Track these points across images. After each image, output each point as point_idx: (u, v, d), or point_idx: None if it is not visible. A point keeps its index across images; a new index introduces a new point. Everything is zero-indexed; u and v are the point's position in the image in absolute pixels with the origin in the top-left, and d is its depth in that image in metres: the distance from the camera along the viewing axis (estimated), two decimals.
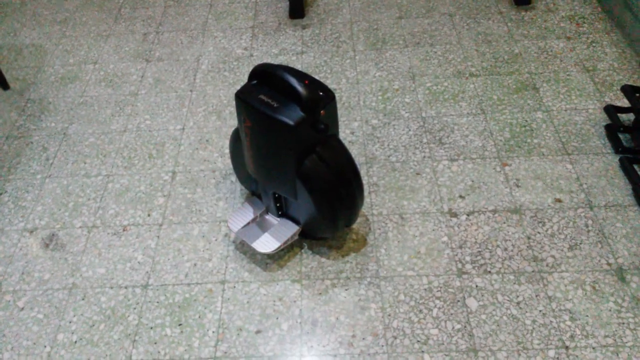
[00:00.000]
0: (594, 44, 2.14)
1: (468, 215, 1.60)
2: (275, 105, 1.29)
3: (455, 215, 1.60)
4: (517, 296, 1.40)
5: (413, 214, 1.61)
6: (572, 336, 1.32)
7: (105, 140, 1.92)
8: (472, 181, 1.69)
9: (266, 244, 1.47)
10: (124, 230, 1.63)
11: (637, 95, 1.78)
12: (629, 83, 1.95)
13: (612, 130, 1.77)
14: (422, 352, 1.31)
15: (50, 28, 2.49)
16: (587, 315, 1.35)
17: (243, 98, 1.33)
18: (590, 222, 1.55)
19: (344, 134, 1.87)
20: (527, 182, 1.67)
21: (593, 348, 1.29)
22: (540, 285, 1.42)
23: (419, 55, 2.16)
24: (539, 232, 1.54)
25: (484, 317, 1.37)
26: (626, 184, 1.64)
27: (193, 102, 2.05)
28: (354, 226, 1.59)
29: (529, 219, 1.57)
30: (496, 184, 1.67)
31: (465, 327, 1.35)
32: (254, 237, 1.50)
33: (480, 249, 1.51)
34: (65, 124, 2.00)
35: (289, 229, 1.50)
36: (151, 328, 1.40)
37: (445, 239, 1.54)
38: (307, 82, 1.30)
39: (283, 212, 1.54)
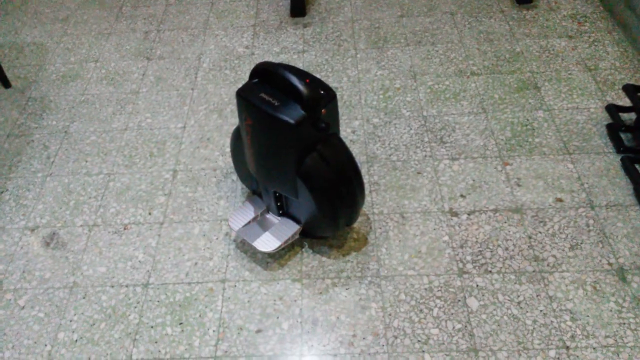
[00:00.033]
0: (595, 43, 2.13)
1: (469, 214, 1.59)
2: (276, 103, 1.29)
3: (456, 214, 1.60)
4: (518, 296, 1.40)
5: (414, 213, 1.61)
6: (572, 336, 1.32)
7: (107, 139, 1.92)
8: (473, 180, 1.69)
9: (267, 243, 1.47)
10: (124, 228, 1.64)
11: (639, 94, 1.77)
12: (630, 82, 1.95)
13: (614, 130, 1.77)
14: (423, 351, 1.31)
15: (51, 26, 2.49)
16: (587, 316, 1.35)
17: (244, 96, 1.33)
18: (591, 221, 1.55)
19: (345, 133, 1.87)
20: (528, 182, 1.67)
21: (594, 348, 1.29)
22: (541, 285, 1.42)
23: (421, 54, 2.16)
24: (540, 232, 1.54)
25: (484, 316, 1.37)
26: (627, 184, 1.64)
27: (194, 101, 2.05)
28: (355, 225, 1.59)
29: (530, 219, 1.57)
30: (497, 183, 1.67)
31: (465, 326, 1.35)
32: (255, 236, 1.50)
33: (481, 249, 1.51)
34: (66, 123, 2.00)
35: (290, 228, 1.50)
36: (152, 327, 1.40)
37: (446, 238, 1.54)
38: (308, 80, 1.29)
39: (284, 211, 1.54)
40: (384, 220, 1.59)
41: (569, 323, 1.34)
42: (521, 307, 1.38)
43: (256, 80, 1.37)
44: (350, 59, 2.17)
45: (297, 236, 1.51)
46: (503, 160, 1.74)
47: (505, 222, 1.57)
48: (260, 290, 1.46)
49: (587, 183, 1.65)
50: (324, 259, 1.51)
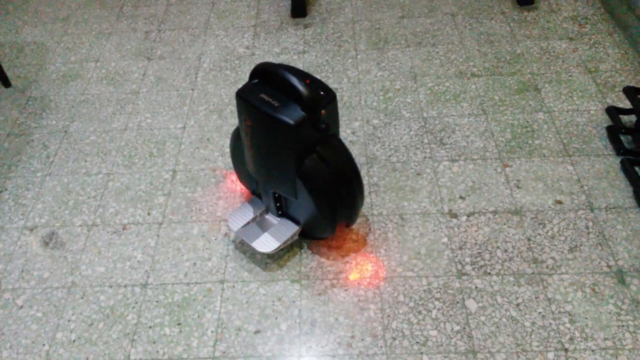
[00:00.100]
0: (596, 45, 2.13)
1: (468, 216, 1.59)
2: (276, 104, 1.29)
3: (455, 216, 1.60)
4: (517, 298, 1.40)
5: (413, 214, 1.61)
6: (571, 338, 1.31)
7: (106, 139, 1.92)
8: (473, 182, 1.68)
9: (266, 243, 1.47)
10: (123, 229, 1.63)
11: (639, 96, 1.77)
12: (631, 84, 1.95)
13: (614, 132, 1.77)
14: (421, 353, 1.31)
15: (52, 26, 2.49)
16: (586, 318, 1.35)
17: (244, 97, 1.33)
18: (590, 224, 1.55)
19: (344, 134, 1.86)
20: (528, 184, 1.67)
21: (592, 351, 1.29)
22: (540, 287, 1.42)
23: (421, 55, 2.16)
24: (539, 234, 1.53)
25: (483, 318, 1.36)
26: (627, 186, 1.64)
27: (194, 101, 2.05)
28: (354, 226, 1.58)
29: (529, 221, 1.57)
30: (497, 185, 1.67)
31: (464, 328, 1.35)
32: (254, 236, 1.50)
33: (480, 250, 1.51)
34: (66, 122, 2.00)
35: (289, 229, 1.50)
36: (150, 327, 1.40)
37: (445, 240, 1.54)
38: (308, 81, 1.29)
39: (283, 212, 1.54)
40: (383, 222, 1.59)
41: (568, 325, 1.34)
42: (520, 309, 1.38)
43: (256, 80, 1.37)
44: (350, 59, 2.17)
45: (296, 237, 1.51)
46: (503, 162, 1.74)
47: (505, 224, 1.57)
48: (259, 291, 1.46)
49: (586, 185, 1.65)
50: (323, 260, 1.51)
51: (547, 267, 1.46)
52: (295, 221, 1.52)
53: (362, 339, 1.35)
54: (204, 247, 1.57)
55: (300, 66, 2.15)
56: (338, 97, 1.99)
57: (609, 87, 1.95)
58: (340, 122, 1.90)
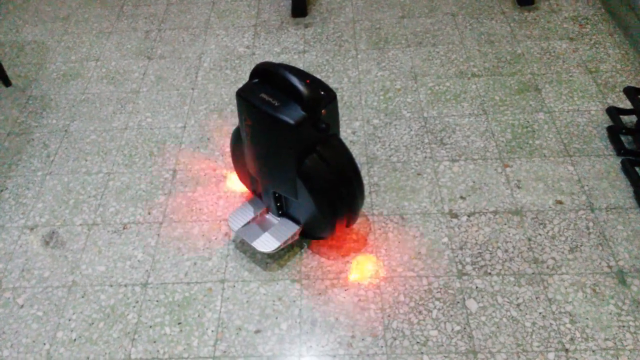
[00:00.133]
0: (597, 45, 2.13)
1: (469, 216, 1.59)
2: (276, 104, 1.29)
3: (455, 216, 1.60)
4: (517, 298, 1.40)
5: (414, 214, 1.61)
6: (572, 339, 1.31)
7: (107, 138, 1.92)
8: (473, 182, 1.68)
9: (266, 243, 1.47)
10: (124, 228, 1.63)
11: None
12: (631, 85, 1.95)
13: (614, 132, 1.77)
14: (422, 353, 1.31)
15: (52, 25, 2.49)
16: (587, 318, 1.35)
17: (244, 97, 1.33)
18: (591, 224, 1.55)
19: (345, 134, 1.86)
20: (529, 184, 1.67)
21: (593, 351, 1.29)
22: (540, 287, 1.42)
23: (421, 55, 2.16)
24: (539, 234, 1.53)
25: (483, 318, 1.36)
26: (628, 186, 1.64)
27: (194, 100, 2.04)
28: (355, 226, 1.58)
29: (529, 221, 1.57)
30: (497, 185, 1.67)
31: (464, 328, 1.35)
32: (254, 236, 1.50)
33: (480, 251, 1.51)
34: (66, 121, 2.00)
35: (289, 229, 1.50)
36: (150, 327, 1.40)
37: (445, 240, 1.54)
38: (308, 81, 1.29)
39: (283, 212, 1.54)
40: (384, 222, 1.59)
41: (569, 326, 1.34)
42: (520, 310, 1.38)
43: (256, 80, 1.37)
44: (351, 59, 2.16)
45: (296, 237, 1.51)
46: (503, 162, 1.74)
47: (505, 224, 1.57)
48: (260, 290, 1.46)
49: (587, 185, 1.65)
50: (323, 259, 1.51)
51: (547, 267, 1.46)
52: (296, 221, 1.52)
53: (363, 339, 1.35)
54: (205, 246, 1.57)
55: (300, 66, 2.15)
56: (338, 97, 1.99)
57: (609, 88, 1.95)
58: (341, 122, 1.90)
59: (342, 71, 2.11)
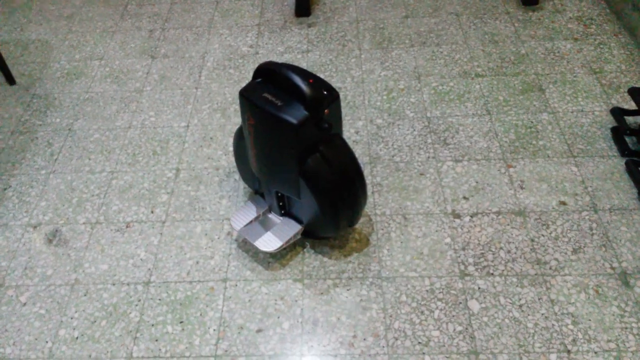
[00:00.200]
0: (601, 46, 2.12)
1: (472, 216, 1.59)
2: (279, 103, 1.29)
3: (458, 216, 1.59)
4: (520, 299, 1.39)
5: (416, 214, 1.60)
6: (574, 340, 1.31)
7: (110, 137, 1.93)
8: (477, 182, 1.68)
9: (268, 242, 1.47)
10: (127, 226, 1.64)
11: None
12: (636, 86, 1.94)
13: (619, 133, 1.76)
14: (423, 353, 1.31)
15: (56, 23, 2.49)
16: (589, 320, 1.34)
17: (247, 96, 1.33)
18: (594, 225, 1.54)
19: (348, 133, 1.86)
20: (532, 184, 1.66)
21: (595, 352, 1.29)
22: (543, 288, 1.41)
23: (425, 55, 2.15)
24: (542, 235, 1.53)
25: (485, 319, 1.36)
26: (631, 187, 1.63)
27: (198, 100, 2.05)
28: (357, 226, 1.58)
29: (533, 222, 1.56)
30: (500, 185, 1.67)
31: (466, 329, 1.35)
32: (257, 235, 1.50)
33: (483, 251, 1.50)
34: (70, 120, 2.01)
35: (292, 228, 1.50)
36: (152, 325, 1.40)
37: (448, 240, 1.53)
38: (311, 80, 1.29)
39: (286, 211, 1.54)
40: (386, 222, 1.59)
41: (571, 327, 1.33)
42: (523, 310, 1.37)
43: (259, 79, 1.37)
44: (354, 59, 2.16)
45: (298, 236, 1.51)
46: (507, 162, 1.73)
47: (508, 225, 1.56)
48: (261, 289, 1.46)
49: (590, 186, 1.64)
50: (325, 259, 1.51)
51: (550, 268, 1.45)
52: (298, 220, 1.52)
53: (364, 339, 1.35)
54: (207, 245, 1.57)
55: (304, 65, 2.15)
56: (342, 97, 1.98)
57: (614, 88, 1.94)
58: (344, 122, 1.90)
59: (345, 71, 2.11)
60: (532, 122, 1.85)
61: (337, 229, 1.46)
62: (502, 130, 1.84)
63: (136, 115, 2.00)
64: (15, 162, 1.86)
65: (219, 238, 1.59)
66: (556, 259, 1.47)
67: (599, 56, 2.08)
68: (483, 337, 1.33)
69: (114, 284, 1.50)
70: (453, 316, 1.37)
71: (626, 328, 1.32)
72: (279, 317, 1.40)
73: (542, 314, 1.36)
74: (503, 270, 1.46)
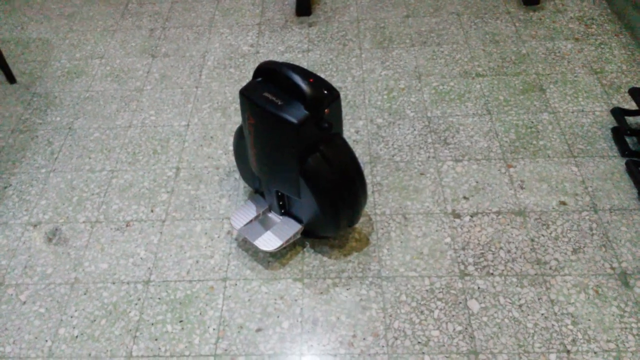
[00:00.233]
0: (602, 46, 2.12)
1: (472, 216, 1.59)
2: (279, 103, 1.29)
3: (458, 216, 1.59)
4: (520, 299, 1.39)
5: (416, 214, 1.60)
6: (574, 340, 1.31)
7: (110, 136, 1.93)
8: (477, 182, 1.68)
9: (268, 242, 1.47)
10: (127, 225, 1.64)
11: None
12: (637, 86, 1.94)
13: (619, 133, 1.76)
14: (423, 353, 1.31)
15: (57, 22, 2.49)
16: (589, 320, 1.34)
17: (247, 95, 1.33)
18: (594, 225, 1.54)
19: (348, 133, 1.86)
20: (532, 184, 1.66)
21: (595, 353, 1.29)
22: (542, 288, 1.41)
23: (426, 55, 2.15)
24: (542, 235, 1.53)
25: (485, 319, 1.36)
26: (632, 188, 1.63)
27: (198, 99, 2.05)
28: (357, 226, 1.58)
29: (533, 222, 1.56)
30: (501, 185, 1.67)
31: (466, 329, 1.35)
32: (257, 235, 1.50)
33: (483, 251, 1.50)
34: (70, 119, 2.01)
35: (292, 228, 1.50)
36: (152, 324, 1.40)
37: (448, 240, 1.53)
38: (311, 80, 1.29)
39: (286, 211, 1.54)
40: (386, 221, 1.59)
41: (571, 327, 1.33)
42: (522, 310, 1.37)
43: (260, 79, 1.37)
44: (355, 58, 2.16)
45: (298, 236, 1.51)
46: (507, 162, 1.73)
47: (508, 225, 1.56)
48: (261, 289, 1.46)
49: (591, 186, 1.64)
50: (325, 258, 1.51)
51: (550, 268, 1.45)
52: (298, 220, 1.52)
53: (364, 339, 1.35)
54: (207, 244, 1.57)
55: (304, 65, 2.15)
56: (342, 96, 1.98)
57: (614, 88, 1.94)
58: (344, 121, 1.90)
59: (346, 70, 2.11)
60: (532, 122, 1.85)
61: (337, 228, 1.46)
62: (503, 130, 1.83)
63: (136, 114, 2.00)
64: (16, 160, 1.86)
65: (218, 237, 1.59)
66: (556, 259, 1.47)
67: (599, 56, 2.08)
68: (483, 337, 1.33)
69: (113, 283, 1.50)
70: (453, 316, 1.37)
71: (626, 328, 1.32)
72: (278, 317, 1.40)
73: (542, 314, 1.36)
74: (503, 270, 1.46)
